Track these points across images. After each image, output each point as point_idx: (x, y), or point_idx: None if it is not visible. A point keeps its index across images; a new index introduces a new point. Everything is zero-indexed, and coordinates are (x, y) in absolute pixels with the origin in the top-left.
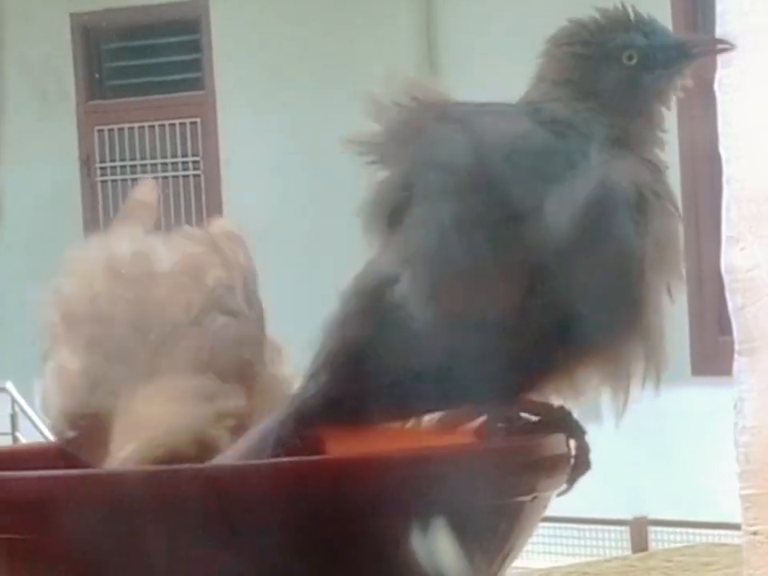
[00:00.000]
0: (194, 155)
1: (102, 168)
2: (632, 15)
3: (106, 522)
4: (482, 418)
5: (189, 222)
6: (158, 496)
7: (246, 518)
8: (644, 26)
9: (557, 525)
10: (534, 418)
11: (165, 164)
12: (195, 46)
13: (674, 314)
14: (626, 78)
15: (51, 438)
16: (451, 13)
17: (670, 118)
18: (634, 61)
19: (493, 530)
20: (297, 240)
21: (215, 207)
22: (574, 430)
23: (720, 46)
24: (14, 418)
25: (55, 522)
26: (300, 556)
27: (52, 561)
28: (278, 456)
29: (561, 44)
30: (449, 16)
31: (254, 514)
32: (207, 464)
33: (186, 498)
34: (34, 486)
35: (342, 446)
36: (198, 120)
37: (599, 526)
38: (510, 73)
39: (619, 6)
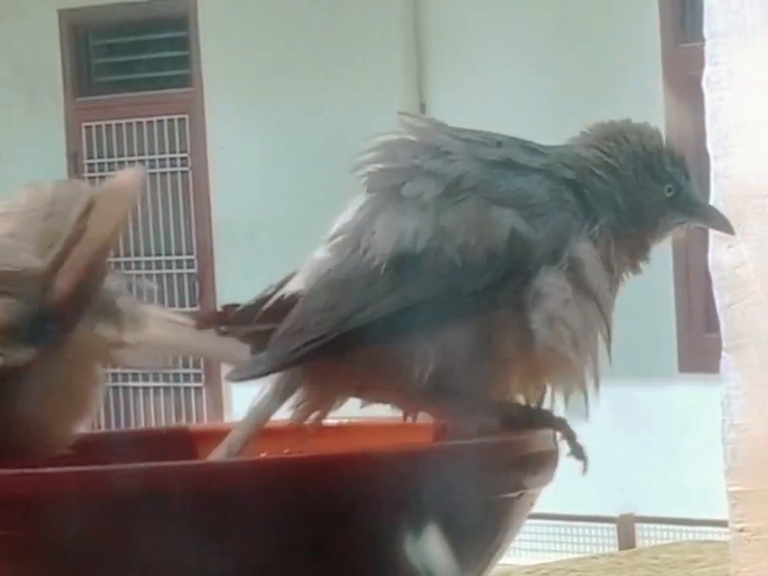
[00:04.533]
0: (181, 152)
1: (89, 164)
2: (680, 154)
3: (97, 520)
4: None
5: (176, 218)
6: (149, 493)
7: (236, 514)
8: (684, 169)
9: (544, 522)
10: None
11: (152, 160)
12: (183, 43)
13: (661, 312)
14: (656, 204)
15: None
16: (440, 8)
17: (658, 116)
18: (671, 194)
19: (480, 526)
20: (285, 236)
21: (203, 204)
22: (555, 422)
23: (724, 228)
24: None
25: (45, 519)
26: (289, 552)
27: (42, 559)
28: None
29: (615, 138)
30: (438, 11)
31: (245, 510)
32: (199, 461)
33: (177, 494)
34: (23, 483)
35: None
36: (186, 116)
37: (586, 523)
38: (495, 70)
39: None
